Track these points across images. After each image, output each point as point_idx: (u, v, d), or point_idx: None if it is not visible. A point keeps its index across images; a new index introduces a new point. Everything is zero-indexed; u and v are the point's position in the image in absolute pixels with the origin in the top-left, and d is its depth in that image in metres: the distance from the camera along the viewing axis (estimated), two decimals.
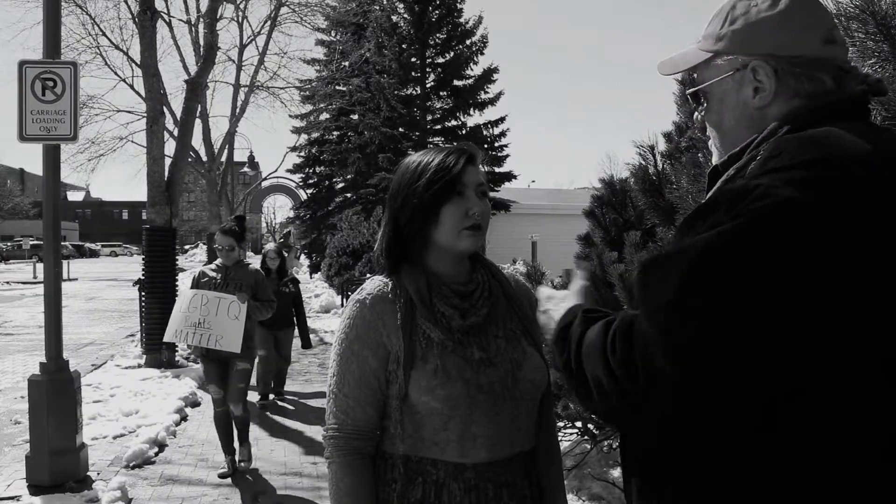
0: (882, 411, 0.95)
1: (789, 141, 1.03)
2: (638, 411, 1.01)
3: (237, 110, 19.70)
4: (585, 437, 4.43)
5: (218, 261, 5.29)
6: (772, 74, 1.12)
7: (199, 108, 13.03)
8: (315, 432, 6.30)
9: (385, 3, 26.14)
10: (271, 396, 7.69)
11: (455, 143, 1.64)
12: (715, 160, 1.24)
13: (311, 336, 13.15)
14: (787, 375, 0.94)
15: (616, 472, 4.62)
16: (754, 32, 1.14)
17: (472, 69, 27.40)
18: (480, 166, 1.60)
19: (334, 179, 30.78)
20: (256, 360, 6.85)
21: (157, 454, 5.66)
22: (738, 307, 0.92)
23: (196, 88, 10.76)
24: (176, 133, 11.96)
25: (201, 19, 15.09)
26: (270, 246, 7.92)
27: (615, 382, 1.01)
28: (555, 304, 1.29)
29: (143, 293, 9.55)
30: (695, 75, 1.25)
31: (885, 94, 1.18)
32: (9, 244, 49.73)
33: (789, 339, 0.92)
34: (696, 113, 1.27)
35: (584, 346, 1.09)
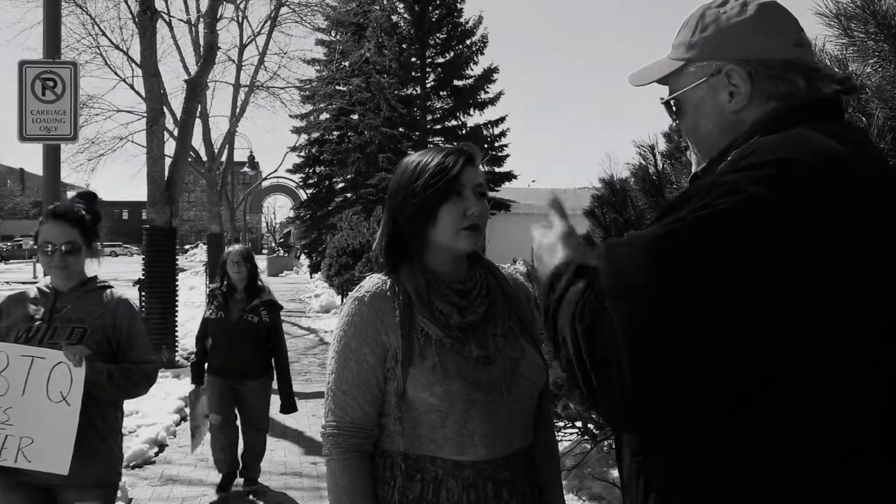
0: (846, 401, 0.96)
1: (761, 142, 1.05)
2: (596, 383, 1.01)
3: (237, 110, 19.71)
4: (585, 437, 4.44)
5: (45, 279, 2.64)
6: (746, 78, 1.14)
7: (199, 108, 13.04)
8: (315, 432, 6.30)
9: (385, 3, 26.14)
10: (239, 480, 4.85)
11: (455, 143, 1.64)
12: (694, 167, 1.26)
13: (311, 336, 12.89)
14: (741, 367, 0.95)
15: (616, 472, 4.62)
16: (726, 38, 1.16)
17: (472, 69, 27.42)
18: (479, 167, 1.61)
19: (334, 179, 30.78)
20: (207, 438, 4.80)
21: (157, 454, 5.66)
22: (696, 297, 0.94)
23: (196, 88, 10.77)
24: (176, 133, 11.97)
25: (201, 19, 15.10)
26: (234, 248, 4.87)
27: (577, 348, 1.02)
28: (548, 251, 1.25)
29: (143, 293, 9.56)
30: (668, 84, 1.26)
31: (855, 91, 1.21)
32: (9, 244, 49.75)
33: (746, 331, 0.94)
34: (672, 122, 1.28)
35: (563, 300, 1.08)
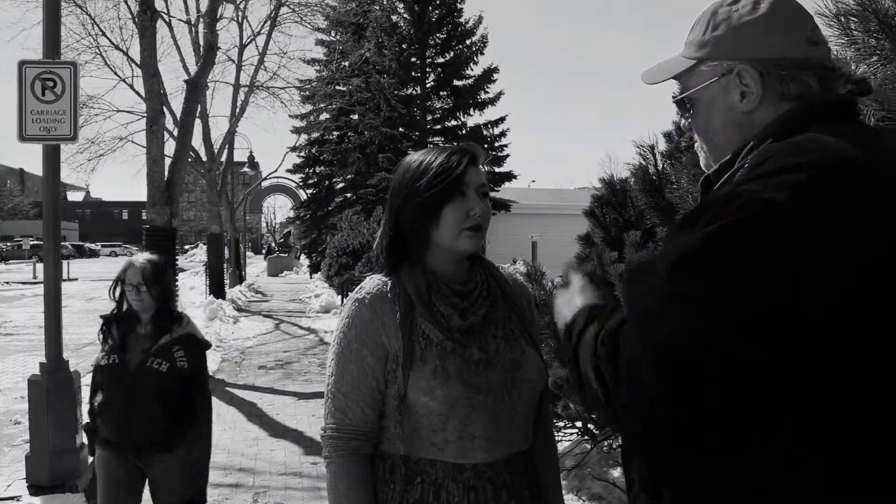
0: (868, 409, 0.95)
1: (776, 147, 1.03)
2: (622, 410, 1.02)
3: (237, 110, 19.72)
4: (585, 437, 4.43)
5: None
6: (757, 78, 1.12)
7: (198, 108, 13.02)
8: (315, 432, 6.30)
9: (385, 3, 26.13)
10: None
11: (456, 143, 1.63)
12: (703, 164, 1.25)
13: (311, 336, 12.72)
14: (771, 377, 0.94)
15: (616, 472, 4.62)
16: (737, 37, 1.14)
17: (472, 69, 27.43)
18: (482, 167, 1.59)
19: (334, 179, 30.78)
20: None
21: None
22: (719, 312, 0.92)
23: (196, 88, 10.76)
24: (176, 133, 11.96)
25: (201, 19, 15.09)
26: (135, 262, 3.12)
27: (600, 379, 1.02)
28: (566, 306, 1.30)
29: None
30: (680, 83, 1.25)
31: (870, 92, 1.19)
32: (9, 244, 49.74)
33: (772, 341, 0.92)
34: (683, 120, 1.27)
35: (581, 341, 1.11)
